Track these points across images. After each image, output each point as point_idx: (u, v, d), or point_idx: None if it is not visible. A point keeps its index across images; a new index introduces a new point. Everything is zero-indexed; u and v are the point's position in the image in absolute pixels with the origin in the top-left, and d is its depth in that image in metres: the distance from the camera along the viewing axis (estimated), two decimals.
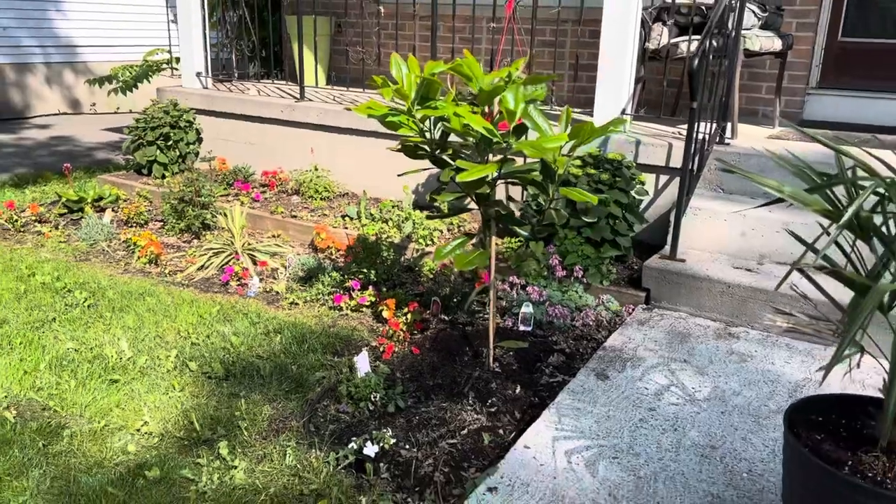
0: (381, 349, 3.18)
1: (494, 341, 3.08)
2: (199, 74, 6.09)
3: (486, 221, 2.90)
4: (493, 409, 2.74)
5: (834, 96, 4.93)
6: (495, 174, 2.67)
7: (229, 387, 2.89)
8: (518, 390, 2.86)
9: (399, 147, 2.79)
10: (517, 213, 3.72)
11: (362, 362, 2.90)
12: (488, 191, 2.74)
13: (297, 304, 3.74)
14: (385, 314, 3.42)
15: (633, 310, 3.53)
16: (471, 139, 2.72)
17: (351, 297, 3.65)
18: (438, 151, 2.74)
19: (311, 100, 5.59)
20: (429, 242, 4.28)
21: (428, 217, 3.12)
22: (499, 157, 2.71)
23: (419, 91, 2.69)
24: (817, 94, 4.98)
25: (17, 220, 4.88)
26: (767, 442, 2.47)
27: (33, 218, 5.02)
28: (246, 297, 3.83)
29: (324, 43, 6.32)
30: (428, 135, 2.76)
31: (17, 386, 2.89)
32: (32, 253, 4.40)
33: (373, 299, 3.62)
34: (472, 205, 4.47)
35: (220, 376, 2.97)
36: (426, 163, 4.85)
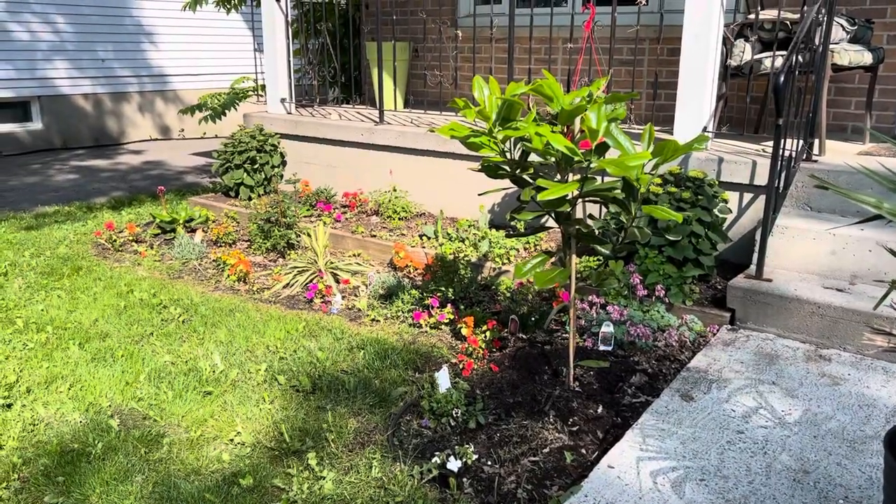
0: (461, 366, 3.22)
1: (574, 360, 3.07)
2: (283, 100, 6.33)
3: (566, 240, 2.92)
4: (574, 429, 2.73)
5: None
6: (576, 192, 2.69)
7: (316, 400, 2.98)
8: (600, 410, 2.84)
9: (480, 167, 2.84)
10: (596, 232, 3.71)
11: (443, 378, 2.95)
12: (569, 209, 2.75)
13: (378, 320, 3.83)
14: (464, 332, 3.46)
15: (718, 330, 3.46)
16: (551, 158, 2.75)
17: (430, 315, 3.71)
18: (519, 171, 2.78)
19: (389, 123, 5.73)
20: (505, 261, 4.31)
21: (507, 236, 3.16)
22: (579, 175, 2.73)
23: (500, 112, 2.75)
24: None
25: (115, 240, 5.17)
26: (864, 468, 2.38)
27: (130, 238, 5.31)
28: (329, 314, 3.95)
29: (402, 67, 6.48)
30: (508, 155, 2.80)
31: (119, 396, 3.06)
32: (130, 271, 4.65)
33: (451, 317, 3.67)
34: (551, 223, 4.49)
35: (308, 390, 3.06)
36: (504, 182, 4.90)
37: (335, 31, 6.90)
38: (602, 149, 2.69)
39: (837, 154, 4.14)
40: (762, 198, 4.02)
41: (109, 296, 4.16)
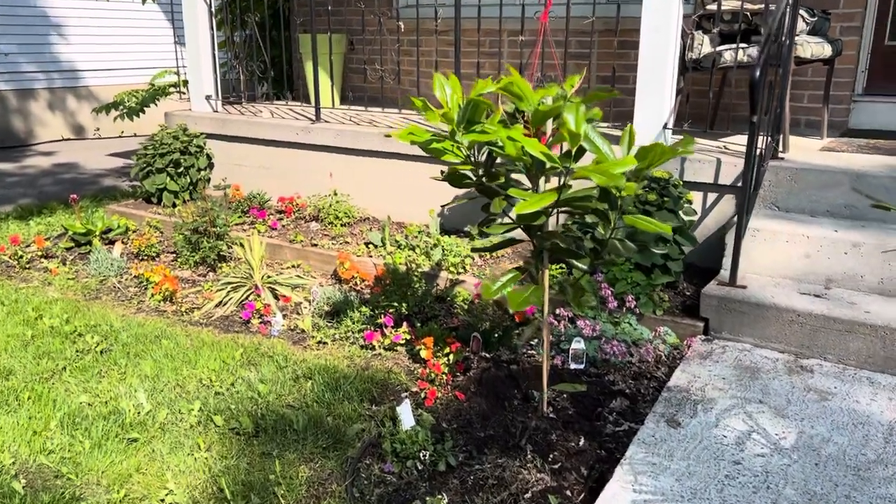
0: (423, 395, 2.90)
1: (548, 384, 2.80)
2: (208, 97, 5.85)
3: (537, 253, 2.63)
4: (556, 466, 2.45)
5: (882, 103, 4.66)
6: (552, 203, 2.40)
7: (260, 444, 2.61)
8: (581, 442, 2.57)
9: (443, 177, 2.52)
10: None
11: (405, 414, 2.63)
12: (544, 221, 2.46)
13: (325, 343, 3.47)
14: (423, 354, 3.14)
15: (692, 342, 3.25)
16: (520, 164, 2.46)
17: (383, 335, 3.37)
18: (486, 179, 2.48)
19: (327, 121, 5.34)
20: (461, 270, 4.00)
21: (474, 250, 2.85)
22: (551, 184, 2.45)
23: (465, 114, 2.43)
24: (864, 102, 4.72)
25: (22, 256, 4.62)
26: (875, 500, 2.18)
27: (39, 253, 4.76)
28: (270, 337, 3.56)
29: (338, 61, 6.08)
30: (472, 158, 2.49)
31: (25, 448, 2.62)
32: (39, 292, 4.14)
33: (408, 336, 3.34)
34: (519, 232, 4.20)
35: (250, 432, 2.69)
36: (462, 190, 4.59)
37: (264, 22, 6.44)
38: (579, 154, 2.41)
39: (800, 150, 3.99)
40: (727, 198, 3.84)
41: (13, 324, 3.66)
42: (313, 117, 5.36)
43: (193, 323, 3.75)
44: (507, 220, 2.63)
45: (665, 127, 4.00)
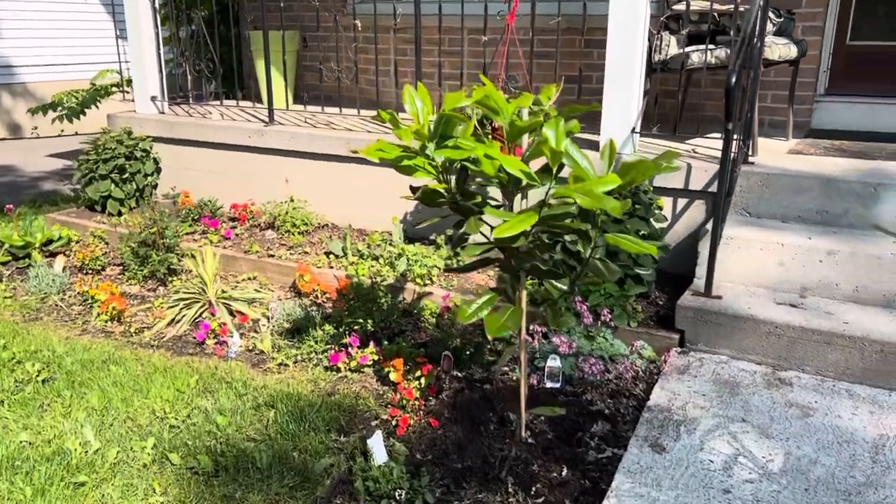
0: (395, 422, 2.75)
1: (526, 408, 2.67)
2: (153, 98, 5.55)
3: (513, 273, 2.49)
4: (539, 500, 2.33)
5: (844, 103, 4.66)
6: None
7: (221, 485, 2.42)
8: (564, 472, 2.45)
9: (415, 196, 2.36)
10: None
11: (377, 447, 2.47)
12: (522, 242, 2.32)
13: (286, 365, 3.28)
14: (392, 376, 2.98)
15: (669, 356, 3.16)
16: (496, 181, 2.31)
17: (349, 356, 3.20)
18: (461, 198, 2.32)
19: (281, 123, 5.11)
20: (427, 281, 3.85)
21: (447, 270, 2.69)
22: (528, 200, 2.32)
23: (437, 129, 2.28)
24: (826, 102, 4.70)
25: None
26: None
27: None
28: (227, 359, 3.35)
29: (291, 60, 5.83)
30: (444, 175, 2.34)
31: None
32: None
33: (375, 357, 3.17)
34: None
35: (209, 471, 2.49)
36: (430, 206, 4.41)
37: (212, 17, 6.14)
38: (559, 170, 2.27)
39: (769, 154, 3.94)
40: (697, 203, 3.77)
41: None
42: (266, 119, 5.12)
43: (144, 345, 3.52)
44: (480, 237, 2.49)
45: (633, 131, 3.91)
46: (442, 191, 2.26)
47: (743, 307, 3.14)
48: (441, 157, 2.27)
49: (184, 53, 5.82)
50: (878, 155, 3.88)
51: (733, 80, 2.90)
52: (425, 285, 3.84)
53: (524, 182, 2.21)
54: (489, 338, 2.77)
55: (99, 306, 3.79)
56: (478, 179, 2.47)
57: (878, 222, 3.37)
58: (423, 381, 2.89)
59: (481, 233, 2.39)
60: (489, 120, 3.78)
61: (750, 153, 3.81)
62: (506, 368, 3.19)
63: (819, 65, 4.65)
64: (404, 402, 2.82)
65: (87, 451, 2.62)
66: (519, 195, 2.41)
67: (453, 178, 2.41)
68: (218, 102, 5.75)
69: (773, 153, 3.97)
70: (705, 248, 3.34)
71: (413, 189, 2.49)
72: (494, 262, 2.50)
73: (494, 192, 3.85)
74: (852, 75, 4.64)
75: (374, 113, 5.01)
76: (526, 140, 2.51)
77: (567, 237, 3.05)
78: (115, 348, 3.44)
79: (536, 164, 2.28)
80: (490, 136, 3.81)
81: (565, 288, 2.43)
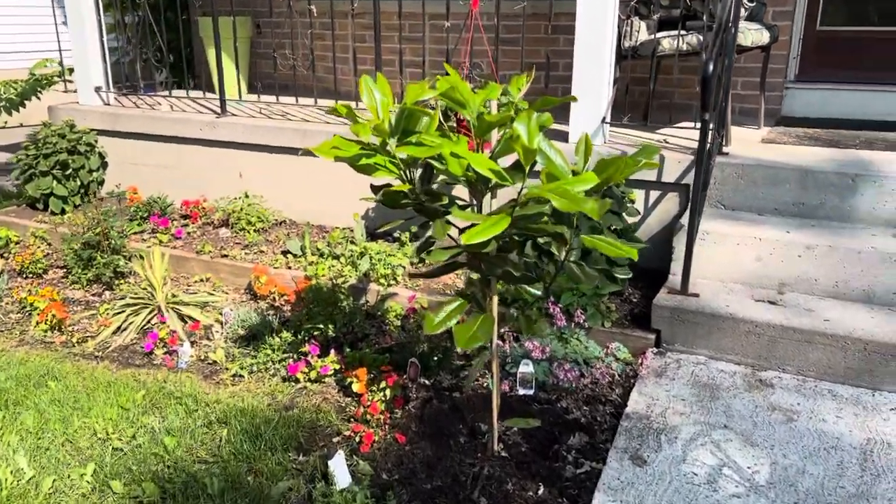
0: (358, 439, 2.56)
1: (499, 418, 2.50)
2: (98, 89, 5.23)
3: (482, 278, 2.32)
4: None
5: (815, 90, 4.57)
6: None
7: None
8: (541, 491, 2.29)
9: (379, 197, 2.17)
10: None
11: (339, 469, 2.28)
12: (495, 247, 2.15)
13: (241, 376, 3.06)
14: (356, 387, 2.79)
15: (645, 358, 3.02)
16: (463, 179, 2.13)
17: (308, 365, 3.00)
18: (426, 199, 2.14)
19: (234, 114, 4.85)
20: (392, 282, 3.66)
21: (412, 276, 2.51)
22: (497, 199, 2.14)
23: (398, 124, 2.08)
24: (797, 89, 4.61)
25: None
26: None
27: None
28: (177, 371, 3.12)
29: (243, 47, 5.56)
30: (408, 174, 2.15)
31: None
32: None
33: (337, 366, 2.98)
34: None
35: (155, 500, 2.28)
36: (393, 208, 4.21)
37: (157, 2, 5.82)
38: (531, 168, 2.09)
39: (742, 144, 3.82)
40: (671, 196, 3.63)
41: None
42: (218, 110, 4.86)
43: (87, 356, 3.27)
44: (448, 239, 2.30)
45: (604, 121, 3.76)
46: (406, 191, 2.07)
47: (721, 305, 3.01)
48: (403, 155, 2.08)
49: (130, 41, 5.50)
50: (853, 143, 3.79)
51: (710, 68, 2.76)
52: (389, 286, 3.65)
53: (493, 181, 2.03)
54: (458, 349, 2.60)
55: (38, 314, 3.53)
56: (442, 177, 2.29)
57: (857, 214, 3.27)
58: (388, 392, 2.71)
59: (449, 235, 2.21)
60: (454, 112, 3.59)
61: (724, 143, 3.68)
62: (477, 373, 3.02)
63: (789, 51, 4.55)
64: (368, 416, 2.64)
65: (19, 481, 2.39)
66: (489, 195, 2.24)
67: (417, 174, 2.23)
68: (167, 93, 5.45)
69: (747, 143, 3.86)
70: (681, 244, 3.20)
71: (374, 189, 2.30)
72: (463, 266, 2.32)
73: (461, 189, 3.67)
74: (823, 61, 4.55)
75: (331, 103, 4.77)
76: (495, 134, 2.34)
77: (541, 239, 2.89)
78: (55, 361, 3.19)
79: (507, 161, 2.11)
80: (456, 130, 3.63)
81: (539, 293, 2.27)
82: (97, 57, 5.20)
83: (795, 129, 4.17)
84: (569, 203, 1.81)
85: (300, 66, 4.68)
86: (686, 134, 3.88)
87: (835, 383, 2.82)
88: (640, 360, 3.00)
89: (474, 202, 2.25)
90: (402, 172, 2.13)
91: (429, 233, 2.09)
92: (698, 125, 2.97)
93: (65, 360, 3.22)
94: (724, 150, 3.62)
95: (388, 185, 2.23)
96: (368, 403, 2.67)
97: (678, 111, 4.38)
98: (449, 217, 2.15)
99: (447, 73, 2.27)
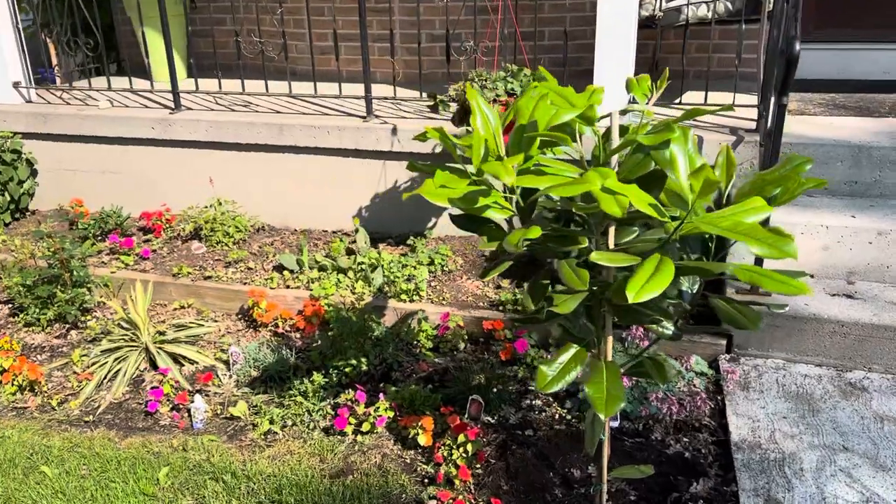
0: None
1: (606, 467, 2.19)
2: (17, 85, 4.46)
3: (595, 311, 1.96)
4: None
5: (816, 50, 4.37)
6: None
7: None
8: None
9: (491, 254, 1.77)
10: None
11: None
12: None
13: (274, 433, 2.61)
14: (421, 440, 2.41)
15: (723, 366, 2.76)
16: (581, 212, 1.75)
17: (352, 412, 2.58)
18: (552, 243, 1.75)
19: (190, 108, 4.23)
20: (415, 297, 3.25)
21: (516, 321, 2.12)
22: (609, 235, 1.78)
23: (513, 148, 1.68)
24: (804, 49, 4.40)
25: None
26: None
27: None
28: (194, 434, 2.64)
29: (178, 24, 4.85)
30: (519, 204, 1.75)
31: None
32: None
33: (391, 414, 2.57)
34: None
35: None
36: (371, 190, 3.72)
37: None
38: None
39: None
40: None
41: None
42: (171, 104, 4.22)
43: (75, 422, 2.73)
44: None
45: (631, 101, 3.42)
46: (534, 238, 1.66)
47: (800, 305, 2.78)
48: (519, 187, 1.68)
49: (51, 22, 4.71)
50: (885, 111, 3.61)
51: (797, 47, 2.46)
52: (412, 301, 3.24)
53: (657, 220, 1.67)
54: (544, 391, 2.23)
55: (2, 375, 2.93)
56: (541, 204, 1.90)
57: None
58: (469, 447, 2.33)
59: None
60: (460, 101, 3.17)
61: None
62: (535, 403, 2.70)
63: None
64: (451, 477, 2.26)
65: None
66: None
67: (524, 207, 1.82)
68: (93, 79, 4.73)
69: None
70: None
71: (459, 221, 1.88)
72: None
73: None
74: (824, 21, 4.36)
75: (304, 83, 4.20)
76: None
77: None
78: (38, 435, 2.64)
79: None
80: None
81: (671, 331, 1.94)
82: (12, 46, 4.42)
83: (813, 96, 3.97)
84: (770, 250, 1.47)
85: (270, 51, 4.08)
86: (713, 110, 3.58)
87: None
88: (723, 373, 2.74)
89: (589, 240, 1.87)
90: (513, 207, 1.74)
91: (563, 284, 1.71)
92: (736, 100, 2.69)
93: (49, 431, 2.67)
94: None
95: (487, 222, 1.83)
96: (446, 460, 2.30)
97: (690, 79, 4.09)
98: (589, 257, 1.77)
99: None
